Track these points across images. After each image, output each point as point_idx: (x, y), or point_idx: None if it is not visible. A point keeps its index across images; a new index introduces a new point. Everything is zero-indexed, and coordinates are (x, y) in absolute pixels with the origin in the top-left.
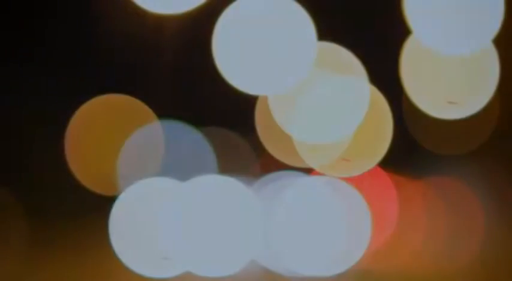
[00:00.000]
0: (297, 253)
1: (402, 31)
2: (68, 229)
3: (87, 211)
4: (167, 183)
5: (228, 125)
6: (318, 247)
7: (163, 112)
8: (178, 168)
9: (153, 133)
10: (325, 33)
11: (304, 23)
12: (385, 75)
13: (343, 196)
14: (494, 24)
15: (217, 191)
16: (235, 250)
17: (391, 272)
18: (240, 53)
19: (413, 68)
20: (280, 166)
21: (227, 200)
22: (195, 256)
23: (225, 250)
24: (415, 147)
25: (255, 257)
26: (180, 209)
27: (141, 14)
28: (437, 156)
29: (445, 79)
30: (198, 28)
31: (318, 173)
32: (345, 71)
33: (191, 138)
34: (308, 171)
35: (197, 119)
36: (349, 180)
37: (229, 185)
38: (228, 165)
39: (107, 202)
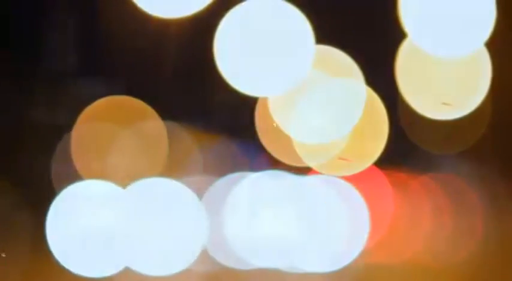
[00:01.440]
0: (297, 249)
1: (398, 34)
2: None
3: None
4: (105, 185)
5: (229, 125)
6: (316, 243)
7: (165, 113)
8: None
9: (156, 134)
10: (322, 36)
11: (303, 26)
12: (381, 77)
13: (340, 193)
14: (487, 27)
15: (158, 193)
16: (176, 249)
17: (388, 269)
18: (241, 56)
19: (408, 70)
20: (280, 165)
21: (167, 202)
22: (133, 253)
23: (165, 250)
24: (410, 146)
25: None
26: (118, 210)
27: (145, 18)
28: (432, 155)
29: (440, 81)
30: (199, 31)
31: (316, 172)
32: (342, 73)
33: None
34: (306, 170)
35: (199, 120)
36: (346, 179)
37: (171, 187)
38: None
39: None
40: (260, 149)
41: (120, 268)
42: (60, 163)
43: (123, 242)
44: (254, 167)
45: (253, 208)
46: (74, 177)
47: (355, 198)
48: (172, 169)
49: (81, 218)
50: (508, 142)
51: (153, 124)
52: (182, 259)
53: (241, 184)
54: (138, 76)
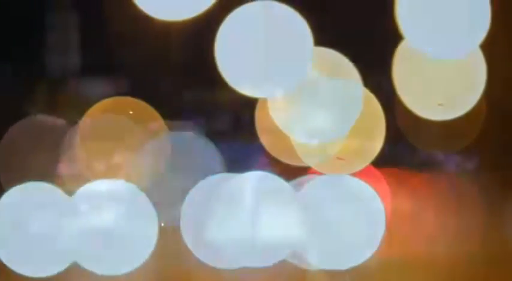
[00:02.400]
0: (315, 247)
1: (395, 36)
2: None
3: None
4: (49, 187)
5: (230, 125)
6: (334, 241)
7: (167, 114)
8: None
9: (158, 134)
10: (321, 38)
11: (302, 29)
12: (378, 78)
13: (357, 191)
14: (481, 30)
15: (108, 195)
16: (125, 250)
17: (387, 268)
18: (241, 58)
19: (405, 72)
20: (280, 165)
21: (117, 204)
22: (80, 252)
23: (114, 249)
24: (406, 146)
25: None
26: (65, 210)
27: (147, 20)
28: (428, 154)
29: (436, 82)
30: (200, 34)
31: (315, 172)
32: (340, 74)
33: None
34: (306, 169)
35: (200, 121)
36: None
37: (122, 189)
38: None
39: None
40: (260, 149)
41: (64, 267)
42: (6, 162)
43: (69, 242)
44: (254, 167)
45: (250, 207)
46: (21, 177)
47: (372, 197)
48: (173, 168)
49: (25, 218)
50: (503, 142)
51: (155, 124)
52: (132, 260)
53: (240, 183)
54: (140, 77)
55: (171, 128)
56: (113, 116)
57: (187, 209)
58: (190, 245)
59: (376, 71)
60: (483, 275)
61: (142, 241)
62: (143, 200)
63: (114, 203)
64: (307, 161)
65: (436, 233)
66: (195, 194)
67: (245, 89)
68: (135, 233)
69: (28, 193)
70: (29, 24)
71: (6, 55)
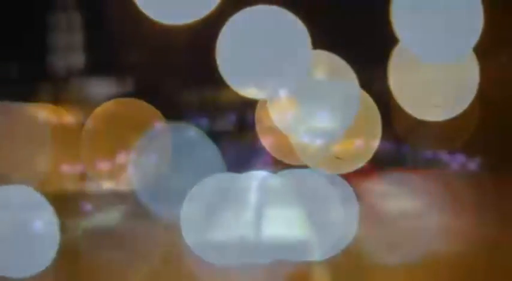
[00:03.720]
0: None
1: (391, 41)
2: None
3: None
4: None
5: (231, 126)
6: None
7: (170, 115)
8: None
9: (161, 135)
10: (319, 42)
11: (301, 33)
12: (375, 80)
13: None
14: (474, 35)
15: (10, 200)
16: (28, 253)
17: (384, 266)
18: (242, 61)
19: (400, 74)
20: (280, 164)
21: (18, 209)
22: None
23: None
24: (402, 145)
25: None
26: None
27: (150, 23)
28: (423, 154)
29: (430, 84)
30: (202, 36)
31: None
32: (338, 76)
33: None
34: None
35: (201, 122)
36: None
37: (23, 194)
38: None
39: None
40: (260, 149)
41: None
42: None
43: None
44: (254, 167)
45: (250, 206)
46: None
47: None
48: (174, 167)
49: None
50: (496, 141)
51: (158, 125)
52: (36, 262)
53: (249, 182)
54: (143, 79)
55: (173, 129)
56: (116, 117)
57: (188, 208)
58: (190, 243)
59: (372, 73)
60: (481, 274)
61: (44, 244)
62: (44, 204)
63: (13, 208)
64: (306, 161)
65: (431, 230)
66: (196, 193)
67: (246, 90)
68: (35, 237)
69: None
70: (33, 25)
71: (9, 56)
